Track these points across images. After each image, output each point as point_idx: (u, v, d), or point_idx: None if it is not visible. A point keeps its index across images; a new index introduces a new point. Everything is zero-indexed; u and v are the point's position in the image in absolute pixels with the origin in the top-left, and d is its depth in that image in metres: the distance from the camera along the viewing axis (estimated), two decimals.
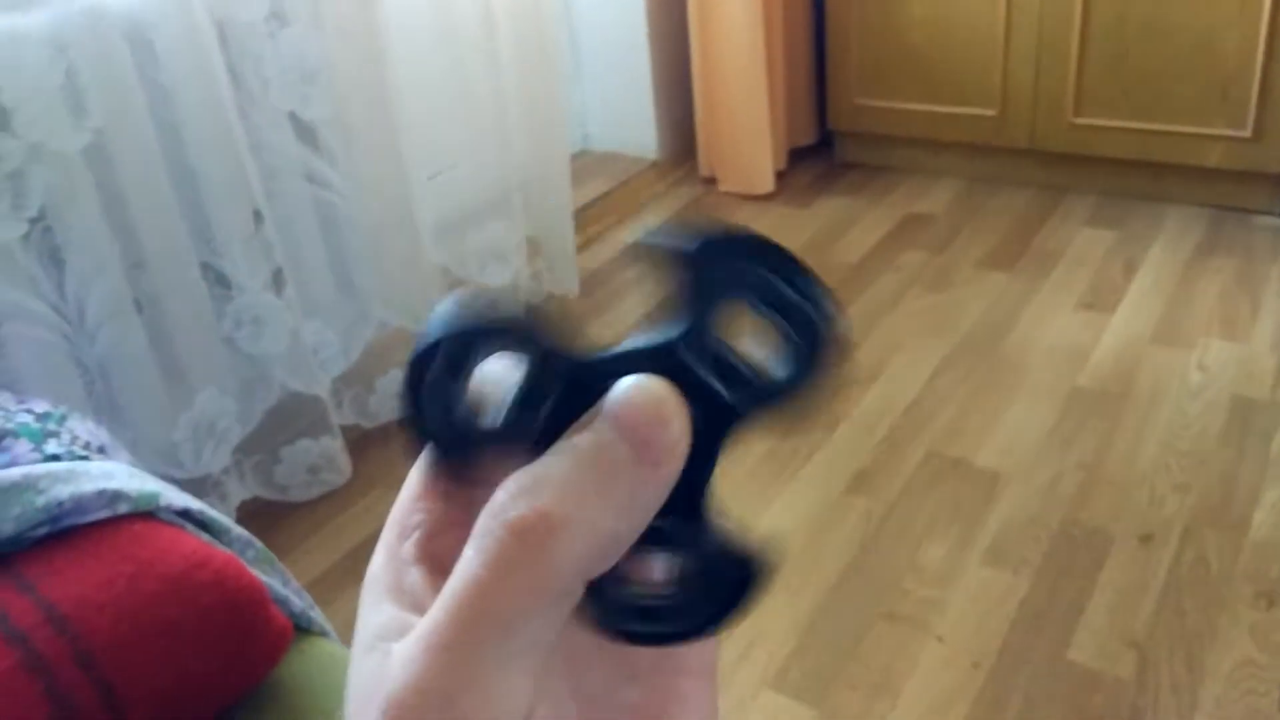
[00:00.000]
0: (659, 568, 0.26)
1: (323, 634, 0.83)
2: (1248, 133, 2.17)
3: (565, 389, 0.25)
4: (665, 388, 0.24)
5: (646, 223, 2.52)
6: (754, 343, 0.25)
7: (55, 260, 1.39)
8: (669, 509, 0.24)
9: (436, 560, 0.27)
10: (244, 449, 1.66)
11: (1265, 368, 1.80)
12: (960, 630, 1.37)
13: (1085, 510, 1.55)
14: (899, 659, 1.34)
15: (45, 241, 1.38)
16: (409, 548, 0.27)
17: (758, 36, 2.43)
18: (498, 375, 0.26)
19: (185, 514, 0.78)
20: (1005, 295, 2.10)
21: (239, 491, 1.64)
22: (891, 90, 2.56)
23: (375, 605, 0.26)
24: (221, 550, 0.73)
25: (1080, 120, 2.35)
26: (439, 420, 0.26)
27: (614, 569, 0.25)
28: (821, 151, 2.78)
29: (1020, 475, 1.63)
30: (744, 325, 0.26)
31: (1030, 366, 1.88)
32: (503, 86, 1.96)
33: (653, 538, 0.25)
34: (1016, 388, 1.83)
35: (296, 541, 1.61)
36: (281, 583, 0.82)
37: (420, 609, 0.25)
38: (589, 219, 2.47)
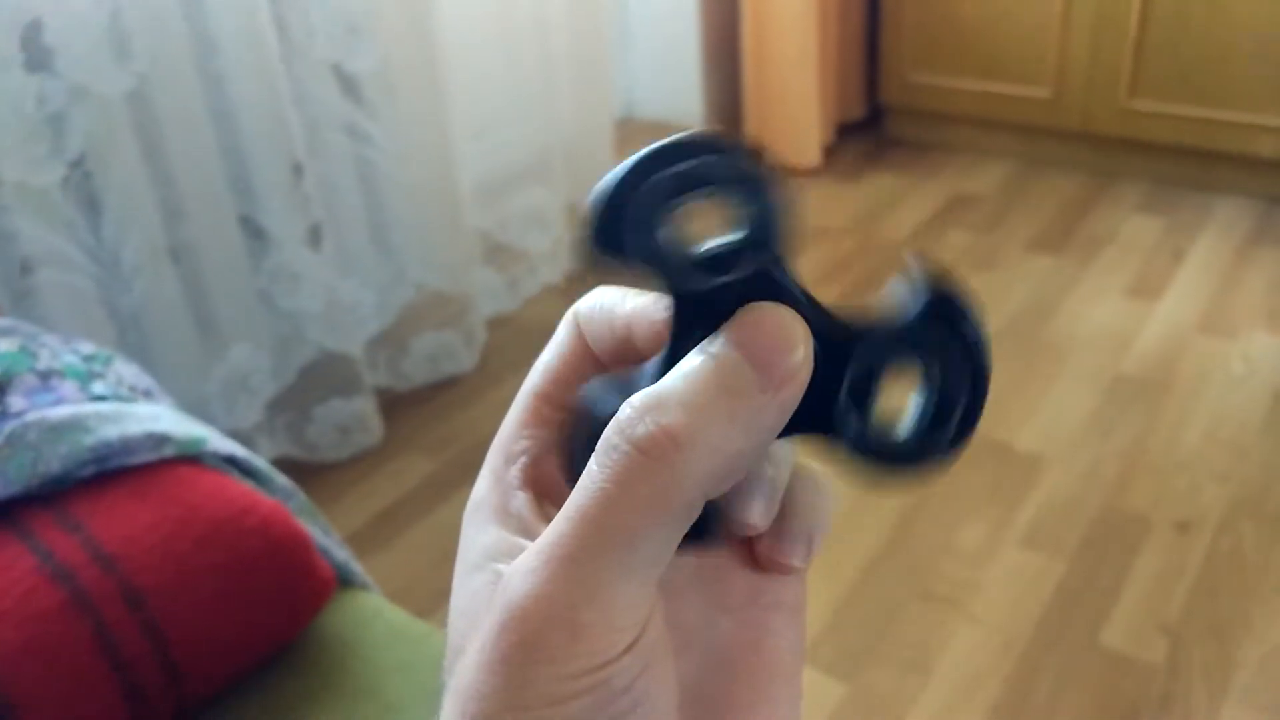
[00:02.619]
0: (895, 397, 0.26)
1: (364, 586, 0.82)
2: None
3: (689, 314, 0.24)
4: (789, 313, 0.24)
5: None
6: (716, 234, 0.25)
7: (93, 206, 1.38)
8: (804, 423, 0.24)
9: (542, 485, 0.27)
10: (275, 406, 1.65)
11: None
12: (994, 611, 1.36)
13: (1124, 496, 1.53)
14: (932, 638, 1.33)
15: (84, 186, 1.37)
16: (515, 473, 0.27)
17: (810, 8, 2.40)
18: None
19: (230, 461, 0.77)
20: (1051, 279, 2.08)
21: (269, 449, 1.63)
22: (943, 67, 2.53)
23: (481, 528, 0.27)
24: (267, 498, 0.72)
25: (1134, 104, 2.30)
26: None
27: (876, 429, 0.25)
28: (870, 127, 2.75)
29: (1060, 460, 1.61)
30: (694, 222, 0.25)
31: (1074, 351, 1.86)
32: (551, 50, 1.93)
33: (863, 384, 0.25)
34: (1059, 372, 1.80)
35: (325, 502, 1.59)
36: (324, 533, 0.81)
37: (527, 533, 0.26)
38: None
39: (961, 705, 1.25)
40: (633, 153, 0.25)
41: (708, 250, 0.24)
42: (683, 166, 0.24)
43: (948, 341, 0.25)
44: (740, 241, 0.24)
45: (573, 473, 0.24)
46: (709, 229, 0.25)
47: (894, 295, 0.25)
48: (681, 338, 0.25)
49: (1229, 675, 1.25)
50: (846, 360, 0.25)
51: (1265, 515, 1.47)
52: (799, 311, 0.24)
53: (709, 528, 0.26)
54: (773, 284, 0.25)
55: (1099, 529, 1.47)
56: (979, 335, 0.25)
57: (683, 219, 0.24)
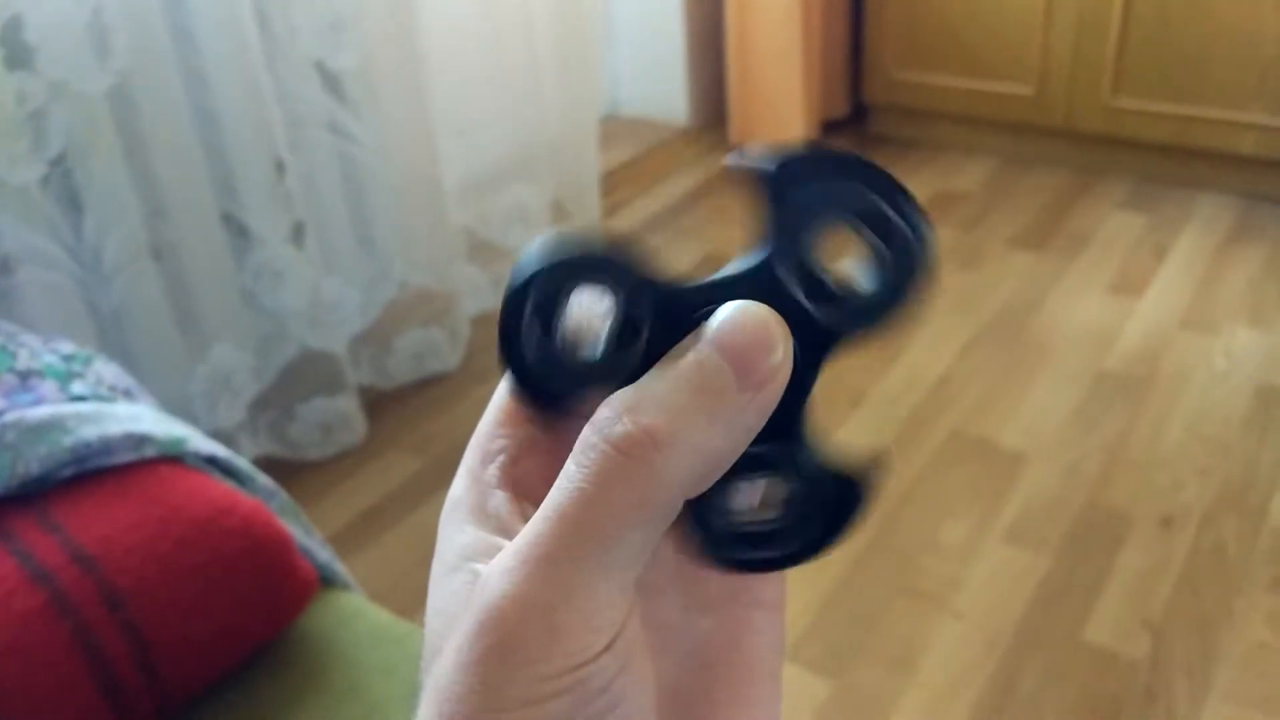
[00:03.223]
0: (762, 494, 0.26)
1: (345, 587, 0.81)
2: None
3: (660, 320, 0.25)
4: (769, 312, 0.24)
5: (678, 184, 2.50)
6: (845, 263, 0.25)
7: (73, 204, 1.37)
8: (769, 434, 0.24)
9: (520, 485, 0.27)
10: (258, 405, 1.64)
11: None
12: (978, 608, 1.37)
13: (1106, 492, 1.53)
14: (916, 635, 1.33)
15: (64, 185, 1.36)
16: (493, 472, 0.27)
17: (794, 6, 2.40)
18: (590, 311, 0.26)
19: (211, 460, 0.76)
20: (1035, 276, 2.08)
21: (251, 448, 1.62)
22: (927, 65, 2.53)
23: (459, 527, 0.26)
24: (248, 497, 0.72)
25: (1117, 102, 2.31)
26: (537, 357, 0.25)
27: (718, 499, 0.25)
28: (854, 125, 2.75)
29: (1043, 456, 1.61)
30: (834, 246, 0.25)
31: (1057, 348, 1.86)
32: (535, 46, 1.93)
33: (754, 464, 0.25)
34: (1042, 369, 1.81)
35: (309, 501, 1.59)
36: (305, 533, 0.81)
37: (505, 532, 0.26)
38: (615, 184, 2.44)
39: (946, 701, 1.25)
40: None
41: (827, 271, 0.25)
42: (883, 205, 0.25)
43: (830, 510, 0.25)
44: (857, 298, 0.25)
45: (502, 341, 0.25)
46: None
47: (847, 451, 0.25)
48: (656, 344, 0.25)
49: (1211, 670, 1.26)
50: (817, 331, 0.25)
51: (1247, 510, 1.48)
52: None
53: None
54: (820, 341, 0.25)
55: (1082, 525, 1.48)
56: (847, 529, 0.25)
57: (832, 231, 0.25)
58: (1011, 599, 1.37)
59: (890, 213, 0.25)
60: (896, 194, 0.25)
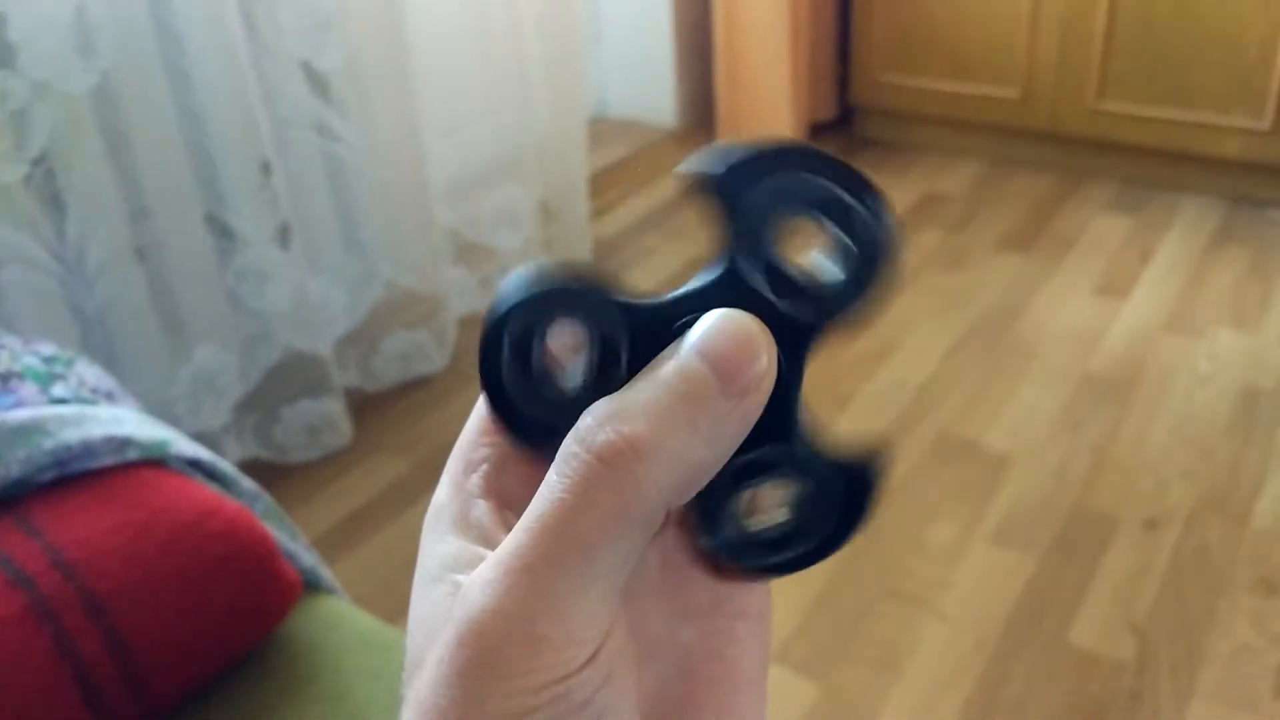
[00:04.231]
0: (769, 498, 0.26)
1: (330, 591, 0.81)
2: (1267, 125, 2.15)
3: (637, 340, 0.25)
4: (751, 319, 0.24)
5: (666, 186, 2.49)
6: (810, 255, 0.25)
7: (56, 204, 1.36)
8: (765, 437, 0.24)
9: (502, 494, 0.27)
10: (243, 407, 1.64)
11: (1274, 359, 1.80)
12: (964, 610, 1.37)
13: (1092, 494, 1.54)
14: (902, 637, 1.33)
15: (47, 184, 1.35)
16: (475, 481, 0.27)
17: (781, 8, 2.40)
18: (566, 343, 0.26)
19: (195, 464, 0.76)
20: (1020, 278, 2.09)
21: (236, 450, 1.62)
22: (914, 68, 2.54)
23: (441, 538, 0.26)
24: (232, 501, 0.71)
25: (1102, 105, 2.32)
26: (518, 393, 0.25)
27: (728, 508, 0.25)
28: (841, 127, 2.76)
29: (1029, 458, 1.62)
30: (796, 240, 0.25)
31: (1043, 350, 1.87)
32: (523, 47, 1.93)
33: (757, 469, 0.25)
34: (1028, 370, 1.81)
35: (294, 504, 1.58)
36: (290, 537, 0.80)
37: (487, 542, 0.25)
38: (603, 186, 2.43)
39: (932, 703, 1.25)
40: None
41: (793, 266, 0.25)
42: (837, 191, 0.24)
43: (840, 503, 0.25)
44: (825, 287, 0.25)
45: (482, 370, 0.25)
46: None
47: (848, 442, 0.25)
48: (638, 354, 0.25)
49: (1196, 671, 1.26)
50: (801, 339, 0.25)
51: (1231, 513, 1.49)
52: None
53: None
54: (798, 336, 0.25)
55: (1067, 527, 1.48)
56: (862, 520, 0.25)
57: (792, 225, 0.25)
58: (997, 601, 1.38)
59: (848, 199, 0.24)
60: (852, 180, 0.24)
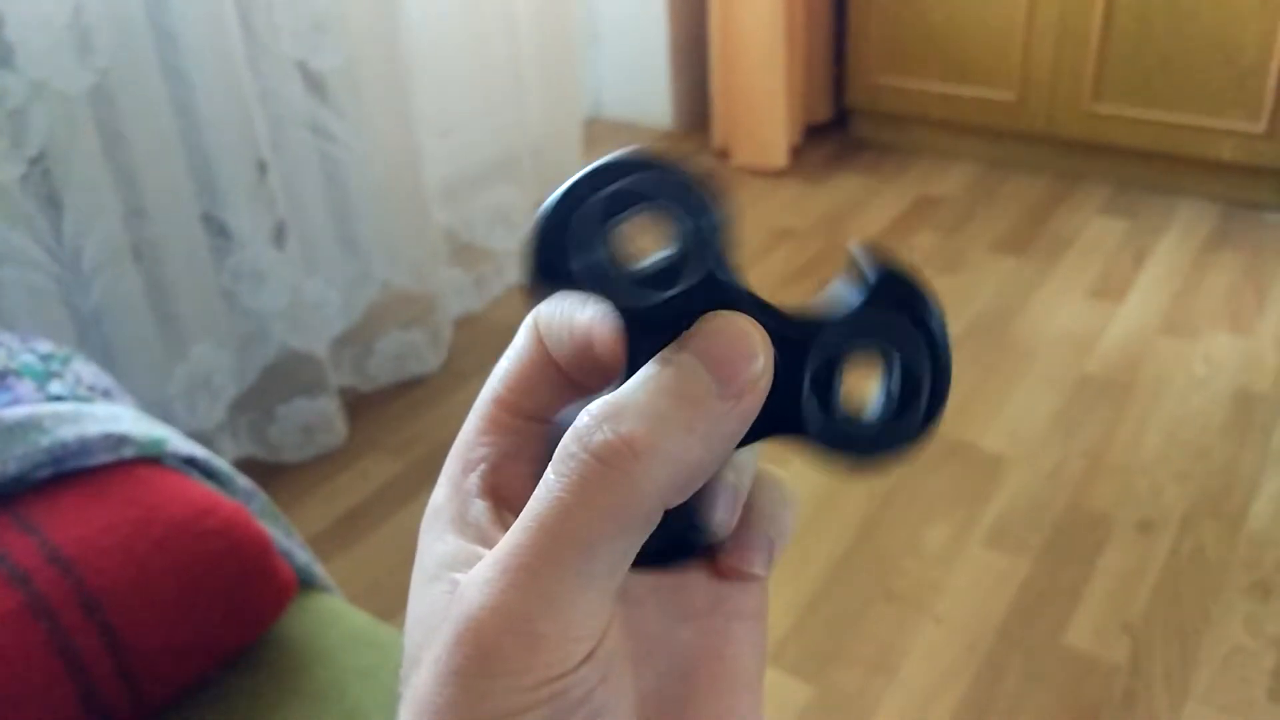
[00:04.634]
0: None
1: (325, 589, 0.81)
2: (1261, 128, 2.16)
3: (639, 339, 0.24)
4: (749, 321, 0.24)
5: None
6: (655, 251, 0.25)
7: (53, 203, 1.36)
8: (773, 426, 0.24)
9: (500, 493, 0.27)
10: (238, 406, 1.64)
11: (1268, 362, 1.80)
12: (959, 611, 1.37)
13: (1087, 496, 1.54)
14: (897, 638, 1.34)
15: (44, 183, 1.35)
16: (474, 480, 0.27)
17: (777, 10, 2.40)
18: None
19: (191, 462, 0.76)
20: (1016, 280, 2.09)
21: (231, 449, 1.62)
22: (909, 70, 2.54)
23: (439, 536, 0.26)
24: (227, 499, 0.71)
25: (1097, 108, 2.33)
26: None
27: (841, 417, 0.25)
28: (837, 129, 2.76)
29: (1024, 460, 1.62)
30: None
31: (1038, 352, 1.87)
32: (518, 48, 1.93)
33: (825, 374, 0.25)
34: (1024, 373, 1.82)
35: (288, 503, 1.58)
36: (285, 535, 0.80)
37: (485, 541, 0.25)
38: None
39: (927, 705, 1.25)
40: (589, 162, 0.25)
41: (650, 265, 0.24)
42: (618, 185, 0.24)
43: (903, 323, 0.25)
44: (679, 254, 0.24)
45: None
46: (651, 245, 0.25)
47: (842, 287, 0.25)
48: (636, 355, 0.24)
49: (1190, 674, 1.26)
50: (805, 359, 0.25)
51: (1226, 515, 1.49)
52: (750, 314, 0.24)
53: (677, 548, 0.26)
54: (720, 292, 0.24)
55: (1062, 529, 1.49)
56: (933, 312, 0.25)
57: (624, 238, 0.24)
58: (992, 603, 1.38)
59: (628, 186, 0.24)
60: (628, 166, 0.24)
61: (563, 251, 0.24)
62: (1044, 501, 1.54)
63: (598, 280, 0.24)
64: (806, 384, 0.25)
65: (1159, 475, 1.57)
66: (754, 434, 0.24)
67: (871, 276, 0.25)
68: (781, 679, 1.29)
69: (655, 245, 0.25)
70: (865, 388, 0.25)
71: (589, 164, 0.24)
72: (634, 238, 0.24)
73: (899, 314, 0.25)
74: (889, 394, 0.25)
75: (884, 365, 0.25)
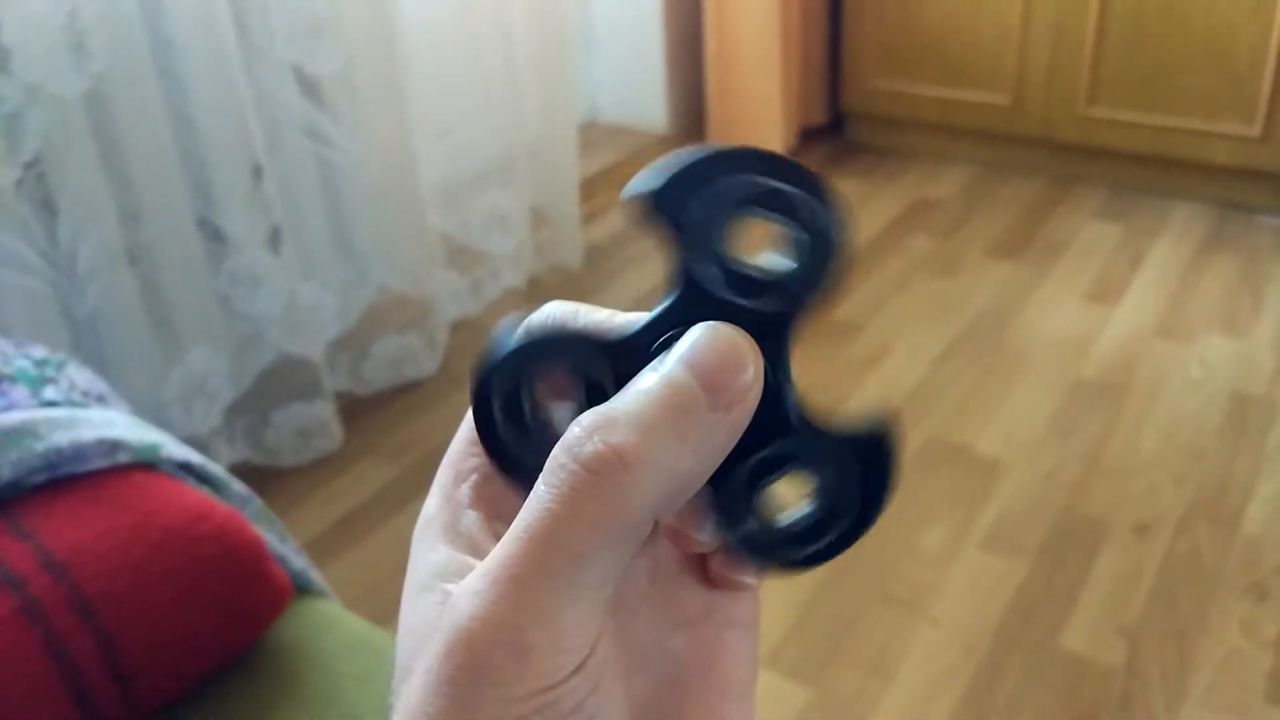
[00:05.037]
0: (787, 491, 0.26)
1: (321, 594, 0.81)
2: (1257, 131, 2.16)
3: (621, 372, 0.25)
4: (737, 331, 0.24)
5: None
6: (765, 251, 0.26)
7: (48, 207, 1.36)
8: (771, 434, 0.25)
9: (492, 504, 0.27)
10: (234, 410, 1.63)
11: (1264, 365, 1.80)
12: (955, 614, 1.37)
13: (1083, 499, 1.54)
14: (894, 641, 1.34)
15: (39, 188, 1.35)
16: (465, 491, 0.27)
17: (773, 13, 2.41)
18: (554, 385, 0.26)
19: (185, 467, 0.75)
20: (1011, 284, 2.10)
21: (227, 454, 1.61)
22: (905, 74, 2.54)
23: (431, 547, 0.26)
24: (223, 504, 0.71)
25: (1092, 112, 2.33)
26: (513, 443, 0.26)
27: (753, 508, 0.25)
28: (832, 132, 2.77)
29: (1020, 463, 1.62)
30: (749, 239, 0.26)
31: (1033, 355, 1.87)
32: (514, 52, 1.93)
33: (770, 466, 0.25)
34: (1019, 376, 1.82)
35: (284, 508, 1.58)
36: (280, 540, 0.80)
37: (477, 551, 0.26)
38: (594, 191, 2.43)
39: (924, 708, 1.25)
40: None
41: (748, 265, 0.25)
42: (773, 183, 0.25)
43: (861, 478, 0.26)
44: (784, 276, 0.25)
45: (479, 427, 0.26)
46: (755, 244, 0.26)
47: (853, 417, 0.26)
48: (664, 319, 0.25)
49: (1186, 677, 1.26)
50: (782, 432, 0.25)
51: (1222, 518, 1.49)
52: (777, 376, 0.25)
53: None
54: (774, 330, 0.25)
55: (1059, 532, 1.49)
56: (887, 489, 0.26)
57: (739, 226, 0.25)
58: (988, 606, 1.38)
59: (790, 190, 0.25)
60: (790, 171, 0.25)
61: (686, 200, 0.25)
62: (1040, 504, 1.54)
63: (702, 244, 0.25)
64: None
65: (1155, 478, 1.57)
66: (744, 446, 0.24)
67: (865, 430, 0.26)
68: (779, 681, 1.29)
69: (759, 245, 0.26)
70: (791, 498, 0.26)
71: (744, 146, 0.25)
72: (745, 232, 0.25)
73: (863, 471, 0.26)
74: (807, 518, 0.26)
75: (819, 496, 0.26)
